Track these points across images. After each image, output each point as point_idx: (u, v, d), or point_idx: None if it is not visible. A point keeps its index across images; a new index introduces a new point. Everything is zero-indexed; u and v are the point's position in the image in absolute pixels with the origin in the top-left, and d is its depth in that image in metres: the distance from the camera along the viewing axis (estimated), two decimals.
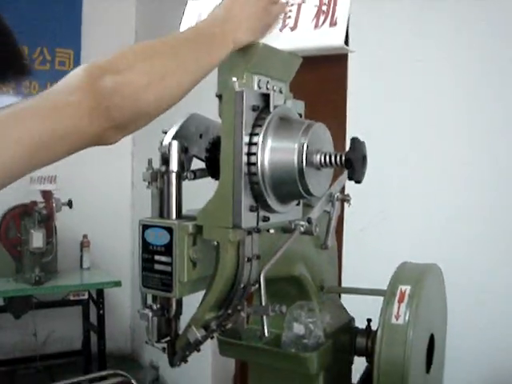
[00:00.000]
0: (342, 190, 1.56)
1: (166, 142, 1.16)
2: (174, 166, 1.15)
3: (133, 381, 2.41)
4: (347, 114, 2.83)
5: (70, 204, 4.59)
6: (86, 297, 4.90)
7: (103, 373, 2.59)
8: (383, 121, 2.74)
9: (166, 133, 1.19)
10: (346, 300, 1.76)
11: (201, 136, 1.22)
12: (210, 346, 3.74)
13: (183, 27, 1.41)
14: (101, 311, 4.81)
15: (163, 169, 1.16)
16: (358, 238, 2.75)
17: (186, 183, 1.21)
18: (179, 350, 1.20)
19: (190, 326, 1.15)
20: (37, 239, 4.43)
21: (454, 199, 2.51)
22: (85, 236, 5.15)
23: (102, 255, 5.35)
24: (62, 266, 4.95)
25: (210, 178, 1.23)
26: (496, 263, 2.37)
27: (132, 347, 5.84)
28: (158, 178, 1.17)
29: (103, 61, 1.00)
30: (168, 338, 1.21)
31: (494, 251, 2.37)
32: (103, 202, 5.44)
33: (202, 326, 1.15)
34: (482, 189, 2.42)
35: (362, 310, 1.61)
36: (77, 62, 5.38)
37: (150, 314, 1.18)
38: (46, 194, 4.54)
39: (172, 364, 1.22)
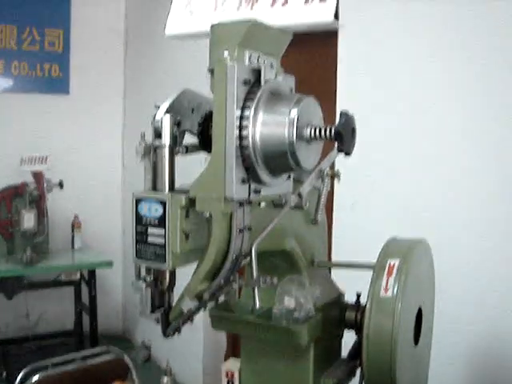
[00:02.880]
0: (332, 166, 1.59)
1: (158, 116, 1.18)
2: (166, 139, 1.16)
3: (125, 357, 2.43)
4: (338, 89, 2.83)
5: (61, 185, 4.59)
6: (78, 277, 4.92)
7: (95, 350, 2.60)
8: (373, 96, 2.75)
9: (158, 107, 1.20)
10: (336, 274, 1.79)
11: (193, 111, 1.24)
12: (201, 327, 3.77)
13: (170, 19, 1.43)
14: (92, 291, 4.82)
15: (156, 143, 1.17)
16: (348, 214, 2.77)
17: (179, 160, 1.22)
18: (173, 321, 1.22)
19: (183, 296, 1.17)
20: (28, 220, 4.43)
21: (441, 175, 2.53)
22: (76, 216, 5.15)
23: (94, 236, 5.36)
24: (54, 246, 4.95)
25: (202, 155, 1.25)
26: (481, 238, 2.40)
27: (124, 327, 5.87)
28: (150, 151, 1.19)
29: None
30: (162, 309, 1.23)
31: (480, 227, 2.40)
32: (94, 182, 5.44)
33: (196, 297, 1.17)
34: (470, 169, 2.45)
35: (352, 285, 1.63)
36: (66, 43, 5.35)
37: (144, 286, 1.20)
38: (37, 175, 4.53)
39: (165, 334, 1.24)
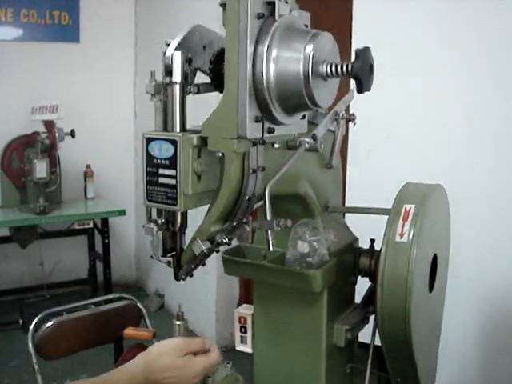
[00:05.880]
0: (348, 109, 1.55)
1: (168, 52, 1.13)
2: (177, 77, 1.12)
3: (138, 304, 2.44)
4: (353, 27, 2.76)
5: (72, 134, 4.56)
6: (91, 226, 4.95)
7: (109, 296, 2.62)
8: (390, 36, 2.67)
9: (168, 44, 1.16)
10: (350, 221, 1.77)
11: (205, 48, 1.19)
12: (214, 274, 3.79)
13: None
14: (106, 240, 4.85)
15: (166, 80, 1.13)
16: (363, 160, 2.73)
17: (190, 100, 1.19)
18: (184, 264, 1.21)
19: (195, 238, 1.15)
20: (40, 169, 4.43)
21: (458, 121, 2.48)
22: (88, 166, 5.15)
23: (106, 185, 5.36)
24: (66, 196, 4.97)
25: (214, 96, 1.21)
26: (497, 185, 2.36)
27: (137, 276, 5.92)
28: (161, 90, 1.15)
29: None
30: (173, 253, 1.21)
31: (496, 173, 2.36)
32: (106, 131, 5.41)
33: (208, 239, 1.15)
34: (487, 112, 2.39)
35: (366, 231, 1.61)
36: None
37: (155, 228, 1.18)
38: (49, 124, 4.50)
39: (177, 278, 1.23)
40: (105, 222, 4.85)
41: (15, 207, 4.69)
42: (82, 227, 4.91)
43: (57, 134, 4.44)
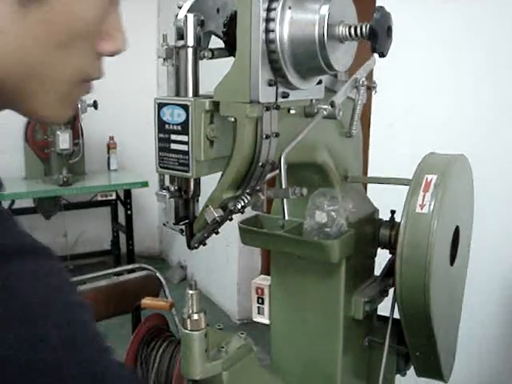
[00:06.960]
0: (370, 77, 1.51)
1: (180, 15, 1.10)
2: (190, 40, 1.09)
3: (158, 274, 2.43)
4: None
5: (95, 105, 4.56)
6: (114, 197, 4.97)
7: (129, 266, 2.62)
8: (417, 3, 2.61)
9: (181, 7, 1.12)
10: (371, 193, 1.73)
11: (218, 11, 1.15)
12: (236, 247, 3.79)
13: None
14: (129, 211, 4.87)
15: (179, 44, 1.10)
16: (386, 131, 2.69)
17: (204, 65, 1.15)
18: (197, 232, 1.18)
19: (207, 206, 1.13)
20: (63, 140, 4.45)
21: (482, 97, 2.42)
22: (111, 138, 5.15)
23: (129, 157, 5.37)
24: (90, 167, 4.99)
25: (228, 61, 1.18)
26: None
27: (160, 248, 5.95)
28: (173, 54, 1.12)
29: None
30: (186, 221, 1.19)
31: None
32: (129, 103, 5.40)
33: (220, 207, 1.13)
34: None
35: (388, 203, 1.57)
36: None
37: (168, 196, 1.16)
38: None
39: (190, 247, 1.21)
40: (128, 193, 4.87)
41: (39, 178, 4.73)
42: (105, 199, 4.94)
43: (79, 105, 4.45)
